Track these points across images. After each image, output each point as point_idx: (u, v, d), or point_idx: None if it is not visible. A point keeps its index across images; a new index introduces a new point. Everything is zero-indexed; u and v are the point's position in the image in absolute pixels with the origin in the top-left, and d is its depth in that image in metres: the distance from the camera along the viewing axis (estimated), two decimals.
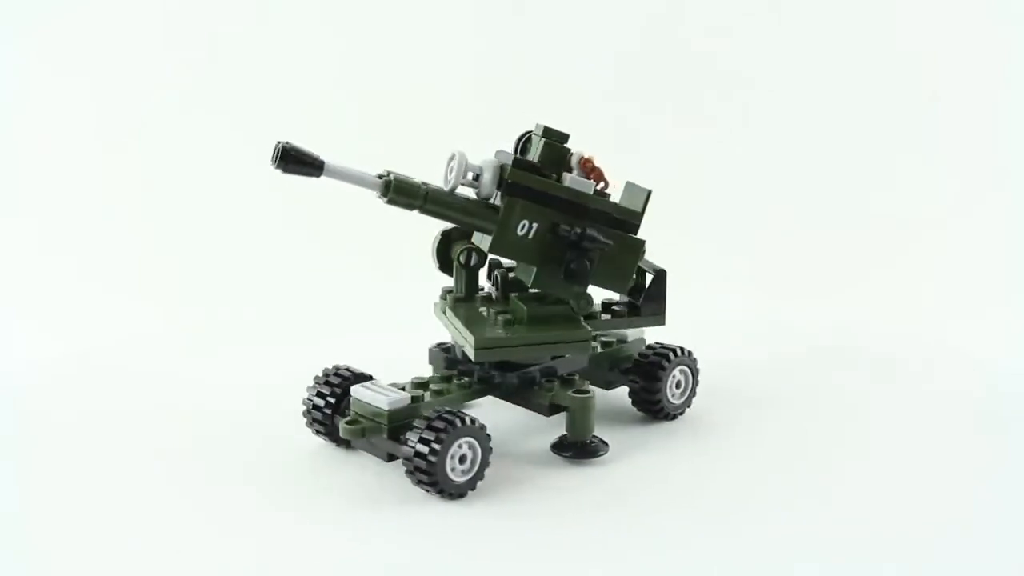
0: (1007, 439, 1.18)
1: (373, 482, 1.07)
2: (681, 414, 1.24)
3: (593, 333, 1.11)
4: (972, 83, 1.84)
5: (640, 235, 1.11)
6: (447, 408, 1.04)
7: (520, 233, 1.07)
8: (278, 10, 1.95)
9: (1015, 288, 1.64)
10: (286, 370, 1.32)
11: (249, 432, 1.19)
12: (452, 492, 1.02)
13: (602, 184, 1.10)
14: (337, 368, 1.15)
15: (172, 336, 1.55)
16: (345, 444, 1.13)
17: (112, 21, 1.90)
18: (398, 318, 1.51)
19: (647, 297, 1.17)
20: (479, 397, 1.16)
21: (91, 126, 1.89)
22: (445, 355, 1.20)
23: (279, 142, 0.98)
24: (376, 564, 0.93)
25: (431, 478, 1.00)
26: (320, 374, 1.15)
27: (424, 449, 1.00)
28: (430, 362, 1.23)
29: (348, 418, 1.07)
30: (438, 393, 1.10)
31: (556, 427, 1.15)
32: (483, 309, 1.14)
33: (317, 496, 1.04)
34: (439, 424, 1.00)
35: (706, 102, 1.90)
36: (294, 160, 0.98)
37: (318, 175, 0.99)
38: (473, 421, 1.03)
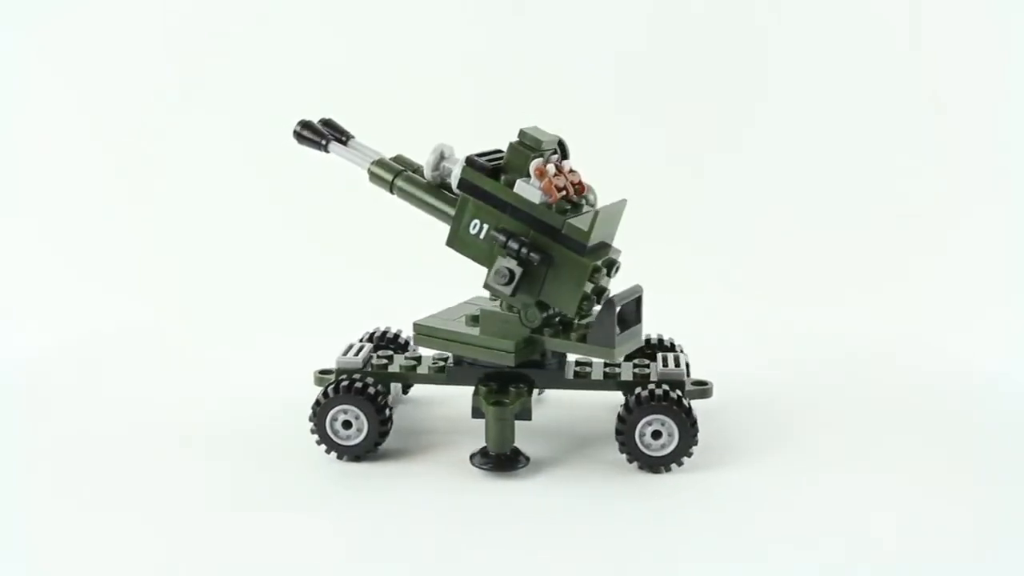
0: (1008, 443, 1.17)
1: (373, 483, 1.07)
2: (669, 469, 1.08)
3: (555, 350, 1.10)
4: (975, 88, 1.83)
5: (621, 245, 1.09)
6: (366, 380, 1.11)
7: (472, 232, 1.09)
8: (277, 9, 1.95)
9: (1016, 292, 1.63)
10: (285, 364, 1.34)
11: (248, 429, 1.20)
12: (335, 452, 1.11)
13: (552, 197, 1.05)
14: (395, 333, 1.28)
15: (169, 330, 1.56)
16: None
17: (107, 17, 1.90)
18: (393, 319, 1.52)
19: (594, 325, 1.07)
20: (431, 383, 1.17)
21: (87, 121, 1.89)
22: None
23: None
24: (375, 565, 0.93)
25: (317, 432, 1.11)
26: (375, 328, 1.28)
27: (316, 407, 1.11)
28: None
29: (324, 368, 1.19)
30: (410, 368, 1.16)
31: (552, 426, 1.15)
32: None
33: (319, 497, 1.05)
34: (330, 388, 1.10)
35: (707, 105, 1.90)
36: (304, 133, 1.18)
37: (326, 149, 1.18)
38: (364, 391, 1.09)
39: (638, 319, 1.11)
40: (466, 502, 1.03)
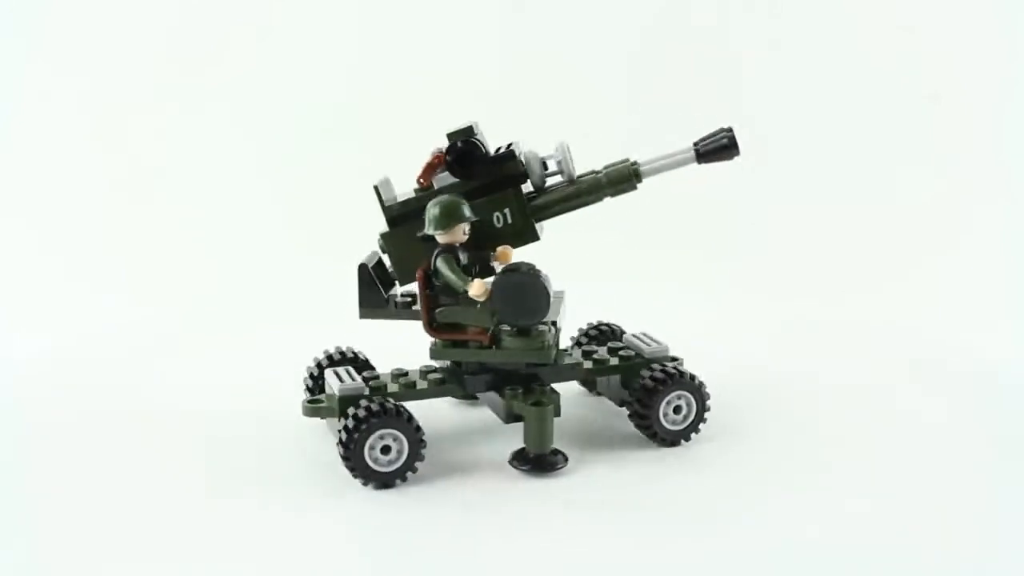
0: (1013, 434, 1.18)
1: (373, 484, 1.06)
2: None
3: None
4: (981, 84, 1.83)
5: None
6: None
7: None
8: (280, 9, 1.95)
9: (1021, 284, 1.63)
10: (279, 363, 1.34)
11: (246, 431, 1.19)
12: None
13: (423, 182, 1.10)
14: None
15: (162, 331, 1.56)
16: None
17: (107, 18, 1.89)
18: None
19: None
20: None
21: (78, 122, 1.88)
22: None
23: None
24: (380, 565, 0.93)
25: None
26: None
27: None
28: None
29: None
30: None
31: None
32: None
33: (321, 498, 1.04)
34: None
35: (711, 101, 1.90)
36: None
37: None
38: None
39: None
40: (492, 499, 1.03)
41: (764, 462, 1.11)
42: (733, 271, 1.74)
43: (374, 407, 1.03)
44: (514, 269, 1.05)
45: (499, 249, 1.09)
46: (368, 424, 1.02)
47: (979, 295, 1.63)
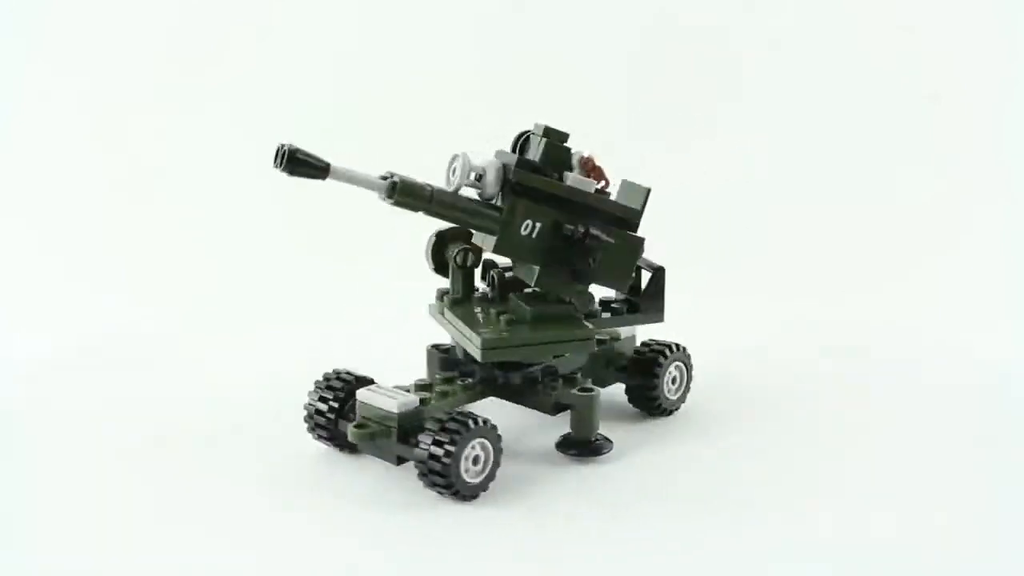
0: (1013, 436, 1.18)
1: (377, 485, 1.06)
2: (676, 409, 1.24)
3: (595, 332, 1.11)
4: (981, 84, 1.83)
5: (641, 233, 1.12)
6: (457, 410, 1.04)
7: (524, 233, 1.07)
8: (276, 8, 1.94)
9: (1020, 285, 1.63)
10: (278, 369, 1.34)
11: (246, 432, 1.19)
12: (466, 494, 1.01)
13: (603, 183, 1.11)
14: (338, 372, 1.13)
15: (162, 331, 1.55)
16: (349, 448, 1.12)
17: (107, 19, 1.89)
18: (387, 318, 1.51)
19: (646, 294, 1.18)
20: (483, 398, 1.16)
21: (78, 122, 1.88)
22: (443, 356, 1.20)
23: (283, 145, 0.95)
24: (387, 567, 0.92)
25: (446, 480, 0.99)
26: (321, 379, 1.14)
27: (439, 451, 0.99)
28: (427, 363, 1.22)
29: (356, 422, 1.06)
30: (443, 395, 1.10)
31: (556, 426, 1.15)
32: (480, 309, 1.14)
33: (322, 499, 1.04)
34: (452, 426, 1.00)
35: (713, 101, 1.90)
36: (300, 163, 0.95)
37: (323, 177, 0.97)
38: (485, 422, 1.02)
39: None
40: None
41: (764, 462, 1.11)
42: (733, 271, 1.74)
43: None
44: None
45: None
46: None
47: (979, 295, 1.63)
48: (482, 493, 1.03)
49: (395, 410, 1.03)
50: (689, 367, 1.24)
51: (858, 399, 1.29)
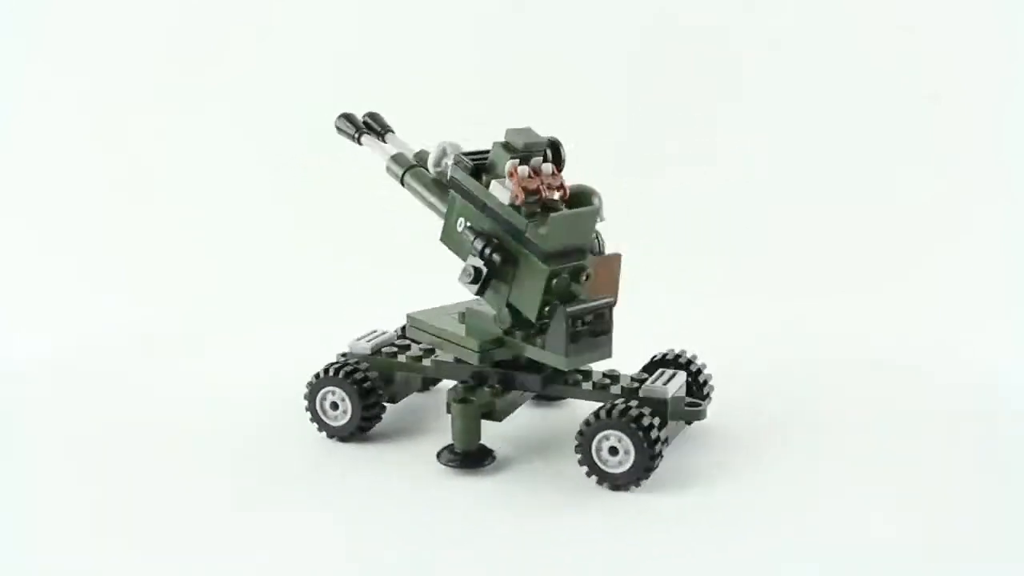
0: (1012, 443, 1.17)
1: (378, 484, 1.07)
2: (634, 487, 1.04)
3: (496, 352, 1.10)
4: (981, 84, 1.83)
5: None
6: (354, 362, 1.16)
7: (458, 229, 1.10)
8: (276, 8, 1.94)
9: (1019, 291, 1.63)
10: (278, 369, 1.35)
11: (247, 431, 1.20)
12: (327, 432, 1.16)
13: (521, 198, 1.03)
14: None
15: (162, 331, 1.56)
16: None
17: (107, 18, 1.89)
18: (387, 317, 1.51)
19: (548, 330, 1.05)
20: (410, 372, 1.19)
21: (78, 122, 1.88)
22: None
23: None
24: (387, 566, 0.93)
25: (308, 409, 1.17)
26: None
27: (308, 386, 1.17)
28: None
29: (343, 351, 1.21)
30: (391, 355, 1.19)
31: (567, 432, 1.15)
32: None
33: (323, 499, 1.04)
34: (320, 371, 1.16)
35: (713, 101, 1.89)
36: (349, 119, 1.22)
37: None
38: (355, 377, 1.14)
39: (606, 329, 1.06)
40: (435, 495, 1.04)
41: (762, 462, 1.11)
42: (733, 271, 1.74)
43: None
44: None
45: None
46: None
47: (978, 296, 1.63)
48: (486, 493, 1.04)
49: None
50: (643, 443, 1.01)
51: (858, 399, 1.29)
